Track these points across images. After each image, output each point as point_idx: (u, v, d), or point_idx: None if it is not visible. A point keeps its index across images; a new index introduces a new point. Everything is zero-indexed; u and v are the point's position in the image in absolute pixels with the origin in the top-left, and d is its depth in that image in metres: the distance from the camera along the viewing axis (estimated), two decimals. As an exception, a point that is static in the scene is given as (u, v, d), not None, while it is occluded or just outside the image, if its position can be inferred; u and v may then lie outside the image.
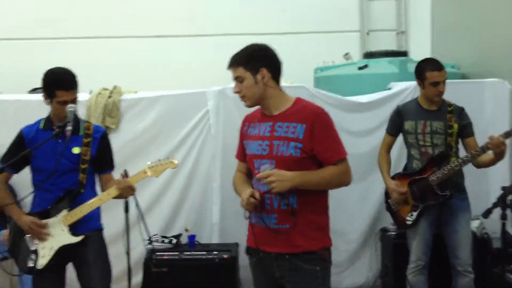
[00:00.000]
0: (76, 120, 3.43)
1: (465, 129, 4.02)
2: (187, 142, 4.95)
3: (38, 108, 4.02)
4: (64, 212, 3.36)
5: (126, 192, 3.39)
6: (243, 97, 2.81)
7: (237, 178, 3.02)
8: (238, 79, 2.77)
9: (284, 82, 5.25)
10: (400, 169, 4.27)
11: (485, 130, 4.55)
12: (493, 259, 4.39)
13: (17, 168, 3.47)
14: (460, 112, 4.04)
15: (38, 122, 3.49)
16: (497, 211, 3.39)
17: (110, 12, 7.42)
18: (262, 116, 2.86)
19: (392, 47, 7.24)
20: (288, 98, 2.85)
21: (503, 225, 3.37)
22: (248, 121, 2.99)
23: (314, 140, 2.71)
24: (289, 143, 2.71)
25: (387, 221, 4.70)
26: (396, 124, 4.19)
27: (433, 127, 4.00)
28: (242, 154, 3.01)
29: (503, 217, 3.32)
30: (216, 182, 4.94)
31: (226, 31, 7.35)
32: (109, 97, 4.95)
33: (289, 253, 2.74)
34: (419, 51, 6.59)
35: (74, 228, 3.38)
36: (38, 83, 6.08)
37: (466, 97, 4.37)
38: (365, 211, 5.00)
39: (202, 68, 7.04)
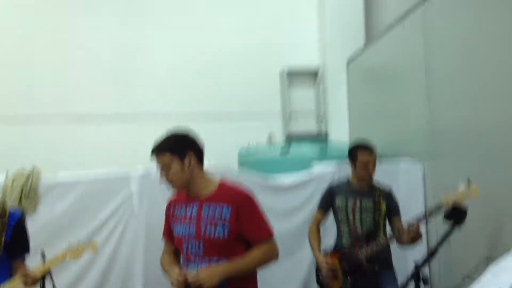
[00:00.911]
0: None
1: (392, 210, 4.23)
2: (109, 223, 4.82)
3: None
4: None
5: (29, 285, 3.23)
6: (170, 182, 2.83)
7: (164, 260, 3.03)
8: (164, 166, 2.80)
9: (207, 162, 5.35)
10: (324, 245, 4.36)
11: (401, 208, 4.74)
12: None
13: None
14: (388, 194, 4.26)
15: None
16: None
17: (30, 88, 7.33)
18: (187, 198, 2.91)
19: (313, 129, 7.54)
20: (212, 181, 2.92)
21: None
22: (173, 203, 3.03)
23: (241, 223, 2.78)
24: (216, 226, 2.77)
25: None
26: (327, 200, 4.35)
27: (363, 205, 4.18)
28: (167, 234, 3.05)
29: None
30: (139, 267, 4.79)
31: (152, 108, 7.44)
32: (27, 180, 4.80)
33: None
34: (338, 133, 6.92)
35: None
36: None
37: (381, 177, 4.56)
38: (293, 286, 4.99)
39: (128, 147, 6.99)
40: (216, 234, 2.75)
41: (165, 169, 2.80)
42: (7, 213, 3.33)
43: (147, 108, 7.48)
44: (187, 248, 2.85)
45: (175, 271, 2.77)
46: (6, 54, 7.30)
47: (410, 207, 4.74)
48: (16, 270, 3.36)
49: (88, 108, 7.40)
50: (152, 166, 4.95)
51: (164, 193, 4.78)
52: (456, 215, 3.55)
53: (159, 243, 4.64)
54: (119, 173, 4.96)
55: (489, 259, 3.55)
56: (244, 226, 2.78)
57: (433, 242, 4.87)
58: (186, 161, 2.79)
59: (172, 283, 2.79)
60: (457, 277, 4.14)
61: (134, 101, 7.52)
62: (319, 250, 4.25)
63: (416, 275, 3.37)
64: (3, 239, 3.26)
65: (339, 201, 4.26)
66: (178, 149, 2.80)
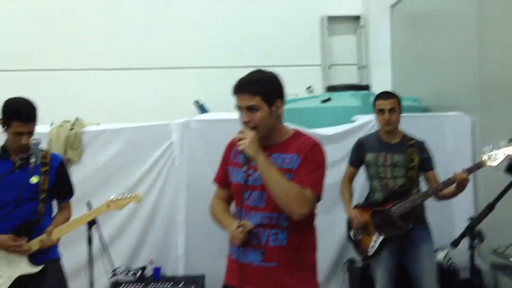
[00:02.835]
0: (28, 148, 3.37)
1: (426, 163, 4.10)
2: (151, 174, 4.90)
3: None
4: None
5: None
6: (253, 128, 2.57)
7: (218, 207, 2.84)
8: (251, 108, 2.56)
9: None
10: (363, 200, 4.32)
11: (447, 163, 4.65)
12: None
13: None
14: (421, 146, 4.12)
15: None
16: (464, 242, 3.42)
17: (74, 44, 7.37)
18: None
19: (354, 81, 7.40)
20: (288, 130, 2.73)
21: (472, 255, 3.37)
22: (235, 146, 2.68)
23: (299, 167, 2.58)
24: (284, 175, 2.54)
25: (354, 252, 4.71)
26: (357, 156, 4.26)
27: (394, 160, 4.06)
28: (223, 180, 2.84)
29: (471, 247, 3.34)
30: (181, 215, 4.89)
31: (190, 64, 7.41)
32: (71, 129, 4.88)
33: None
34: (381, 85, 6.73)
35: (32, 257, 3.32)
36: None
37: (427, 130, 4.45)
38: (331, 242, 4.99)
39: (166, 101, 7.07)
40: None
41: (251, 112, 2.56)
42: (49, 159, 3.43)
43: (183, 64, 7.44)
44: (247, 198, 2.63)
45: (234, 227, 2.60)
46: (60, 13, 7.41)
47: (457, 161, 4.63)
48: (62, 212, 3.54)
49: (127, 63, 7.42)
50: (191, 118, 5.06)
51: (204, 144, 4.86)
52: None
53: (200, 192, 4.75)
54: (160, 123, 4.99)
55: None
56: (297, 170, 2.57)
57: (481, 198, 4.81)
58: (274, 109, 2.60)
59: (231, 240, 2.64)
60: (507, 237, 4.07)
61: (171, 56, 7.49)
62: (351, 205, 4.21)
63: (470, 232, 3.28)
64: (47, 183, 3.37)
65: (369, 157, 4.15)
66: (269, 95, 2.57)
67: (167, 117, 5.14)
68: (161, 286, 4.44)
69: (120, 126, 5.00)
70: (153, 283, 4.49)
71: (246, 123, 2.59)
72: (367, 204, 4.17)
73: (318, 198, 2.61)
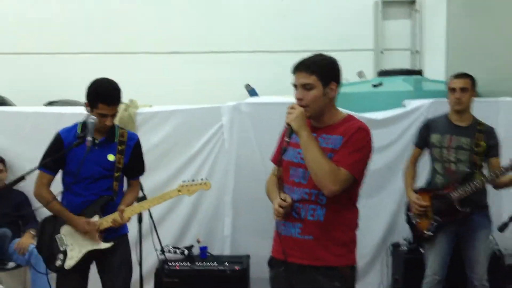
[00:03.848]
0: (112, 128, 3.50)
1: (493, 149, 4.04)
2: (200, 156, 5.00)
3: (56, 121, 4.09)
4: (96, 218, 3.44)
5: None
6: (305, 107, 2.66)
7: (271, 182, 2.94)
8: (306, 86, 2.66)
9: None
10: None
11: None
12: (507, 276, 4.35)
13: (56, 171, 3.53)
14: (490, 132, 4.06)
15: (75, 126, 3.53)
16: (511, 228, 3.36)
17: (127, 27, 7.49)
18: (309, 125, 2.72)
19: (406, 66, 7.25)
20: (340, 113, 2.80)
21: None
22: None
23: (341, 147, 2.65)
24: (327, 154, 2.63)
25: (399, 236, 4.69)
26: (423, 136, 4.21)
27: (460, 142, 4.01)
28: (277, 158, 2.90)
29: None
30: (229, 196, 4.97)
31: (242, 48, 7.43)
32: (125, 110, 5.01)
33: (309, 265, 2.70)
34: (433, 70, 6.62)
35: (103, 232, 3.47)
36: (53, 97, 6.30)
37: (480, 115, 4.34)
38: (377, 226, 4.98)
39: (216, 85, 7.12)
40: None
41: (305, 90, 2.66)
42: (126, 138, 3.56)
43: (235, 48, 7.44)
44: (293, 175, 2.74)
45: (277, 201, 2.70)
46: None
47: (510, 147, 4.52)
48: (132, 190, 3.67)
49: (179, 47, 7.49)
50: (242, 101, 5.11)
51: (254, 127, 4.92)
52: None
53: (248, 174, 4.84)
54: (211, 106, 5.07)
55: None
56: (339, 150, 2.64)
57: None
58: (328, 90, 2.68)
59: (274, 213, 2.73)
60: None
61: (223, 41, 7.50)
62: (412, 189, 4.17)
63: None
64: (122, 161, 3.50)
65: (434, 138, 4.10)
66: (326, 75, 2.66)
67: (218, 100, 5.20)
68: (207, 265, 4.54)
69: (172, 108, 5.11)
70: (199, 262, 4.59)
71: (299, 100, 2.68)
72: (428, 188, 4.14)
73: (354, 180, 2.66)
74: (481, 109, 4.79)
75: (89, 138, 3.28)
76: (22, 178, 3.18)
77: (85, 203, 3.45)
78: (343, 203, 2.71)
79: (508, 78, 5.32)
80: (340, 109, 2.82)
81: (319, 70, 2.66)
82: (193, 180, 3.62)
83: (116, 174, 3.49)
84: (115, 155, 3.48)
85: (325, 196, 2.65)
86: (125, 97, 5.11)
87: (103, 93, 3.35)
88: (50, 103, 6.20)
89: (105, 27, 7.51)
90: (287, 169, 2.80)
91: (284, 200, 2.69)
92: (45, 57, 7.45)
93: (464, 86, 4.02)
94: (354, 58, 7.35)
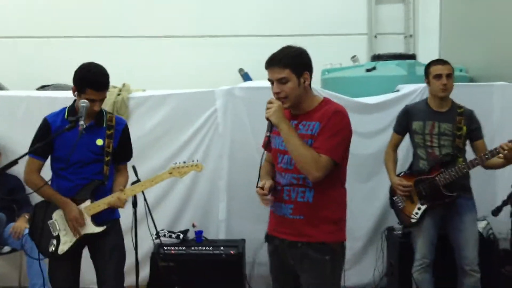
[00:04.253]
0: (100, 112, 3.49)
1: (474, 132, 4.05)
2: (194, 140, 4.99)
3: (49, 105, 4.08)
4: (88, 203, 3.44)
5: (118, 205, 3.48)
6: (284, 98, 2.82)
7: (263, 168, 3.07)
8: (281, 80, 2.80)
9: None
10: (405, 169, 4.30)
11: (493, 133, 4.59)
12: (501, 260, 4.39)
13: (45, 156, 3.51)
14: (469, 115, 4.06)
15: (63, 111, 3.51)
16: (505, 212, 3.38)
17: (120, 11, 7.47)
18: (288, 114, 2.92)
19: (400, 50, 7.27)
20: (317, 98, 2.95)
21: (513, 223, 3.35)
22: None
23: (319, 134, 2.80)
24: (307, 141, 2.80)
25: (393, 221, 4.71)
26: (403, 123, 4.22)
27: (441, 129, 4.02)
28: (266, 145, 3.10)
29: (513, 215, 3.31)
30: (223, 180, 4.98)
31: (236, 32, 7.43)
32: (118, 94, 4.99)
33: (301, 241, 2.87)
34: (427, 54, 6.60)
35: (95, 217, 3.47)
36: (46, 81, 6.27)
37: (474, 100, 4.37)
38: (371, 210, 5.01)
39: (210, 69, 7.11)
40: None
41: (281, 83, 2.80)
42: (114, 123, 3.55)
43: (228, 32, 7.45)
44: (280, 161, 2.93)
45: (256, 190, 2.90)
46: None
47: (504, 131, 4.55)
48: (121, 174, 3.65)
49: (173, 30, 7.48)
50: (237, 86, 5.11)
51: (248, 111, 4.91)
52: None
53: (243, 158, 4.85)
54: (205, 90, 5.06)
55: None
56: (317, 136, 2.79)
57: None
58: (302, 79, 2.83)
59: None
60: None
61: (216, 24, 7.50)
62: (395, 173, 4.19)
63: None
64: (111, 145, 3.50)
65: (415, 125, 4.11)
66: (298, 66, 2.81)
67: (211, 85, 5.20)
68: (203, 249, 4.56)
69: (165, 93, 5.08)
70: (195, 246, 4.62)
71: (277, 94, 2.84)
72: (411, 172, 4.16)
73: (335, 163, 2.80)
74: (475, 94, 4.84)
75: (81, 122, 3.24)
76: (15, 162, 3.16)
77: (75, 187, 3.44)
78: (330, 184, 2.86)
79: (502, 63, 5.34)
80: (317, 91, 2.95)
81: (291, 63, 2.80)
82: (185, 162, 3.63)
83: (106, 159, 3.48)
84: (104, 139, 3.47)
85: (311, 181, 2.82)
86: (118, 81, 5.15)
87: (92, 79, 3.33)
88: (43, 87, 6.16)
89: (98, 11, 7.49)
90: (276, 156, 2.99)
91: (262, 188, 2.87)
92: (38, 41, 7.44)
93: (449, 72, 4.04)
94: (348, 42, 7.38)
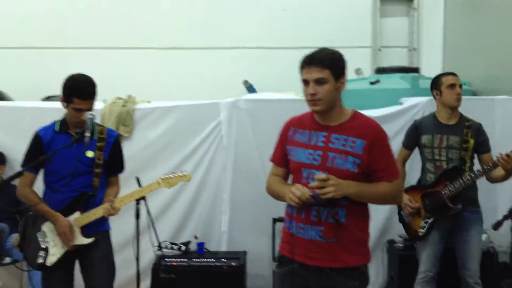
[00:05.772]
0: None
1: (482, 146, 4.05)
2: (198, 152, 5.01)
3: (53, 116, 4.09)
4: (77, 214, 3.44)
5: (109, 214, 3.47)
6: (318, 100, 2.63)
7: (275, 180, 2.87)
8: (319, 80, 2.62)
9: (295, 95, 5.32)
10: (411, 182, 4.30)
11: (495, 146, 4.55)
12: (501, 273, 4.38)
13: (38, 170, 3.53)
14: (477, 128, 4.06)
15: (53, 124, 3.54)
16: (505, 225, 3.38)
17: (126, 22, 7.53)
18: (313, 124, 2.75)
19: (404, 63, 7.30)
20: (346, 110, 2.75)
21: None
22: (294, 125, 2.83)
23: (372, 158, 2.63)
24: (346, 157, 2.61)
25: (394, 233, 4.71)
26: (412, 138, 4.22)
27: (450, 142, 4.02)
28: (280, 158, 2.87)
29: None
30: (226, 193, 4.99)
31: (240, 44, 7.46)
32: (123, 106, 5.02)
33: (330, 267, 2.66)
34: (431, 68, 6.63)
35: (84, 228, 3.46)
36: (52, 92, 6.31)
37: (477, 113, 4.37)
38: (372, 222, 4.86)
39: (215, 81, 7.15)
40: (346, 166, 2.61)
41: (319, 85, 2.62)
42: (105, 135, 3.55)
43: (233, 44, 7.48)
44: (306, 177, 2.67)
45: (291, 188, 2.64)
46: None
47: (506, 145, 4.53)
48: (109, 185, 3.63)
49: (178, 42, 7.52)
50: (242, 98, 5.12)
51: (252, 124, 4.93)
52: None
53: (246, 171, 4.85)
54: (209, 102, 5.08)
55: None
56: (374, 163, 2.63)
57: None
58: (339, 85, 2.66)
59: (290, 199, 2.62)
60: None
61: (221, 37, 7.54)
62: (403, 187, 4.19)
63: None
64: (102, 158, 3.49)
65: (424, 139, 4.11)
66: (338, 70, 2.65)
67: (216, 97, 5.21)
68: (204, 261, 4.56)
69: (170, 104, 5.11)
70: (196, 258, 4.61)
71: (312, 95, 2.64)
72: (418, 186, 4.16)
73: (399, 177, 2.78)
74: (478, 107, 4.84)
75: (87, 135, 3.28)
76: (20, 173, 3.20)
77: (66, 200, 3.44)
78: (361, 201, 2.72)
79: (504, 76, 5.34)
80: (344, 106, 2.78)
81: (332, 64, 2.64)
82: (173, 173, 3.65)
83: (97, 171, 3.48)
84: (94, 151, 3.47)
85: (346, 198, 2.62)
86: (123, 93, 5.20)
87: (78, 88, 3.35)
88: (48, 98, 6.20)
89: (105, 22, 7.53)
90: (298, 171, 2.74)
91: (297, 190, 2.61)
92: (43, 51, 7.49)
93: (460, 83, 4.06)
94: (352, 55, 7.22)
